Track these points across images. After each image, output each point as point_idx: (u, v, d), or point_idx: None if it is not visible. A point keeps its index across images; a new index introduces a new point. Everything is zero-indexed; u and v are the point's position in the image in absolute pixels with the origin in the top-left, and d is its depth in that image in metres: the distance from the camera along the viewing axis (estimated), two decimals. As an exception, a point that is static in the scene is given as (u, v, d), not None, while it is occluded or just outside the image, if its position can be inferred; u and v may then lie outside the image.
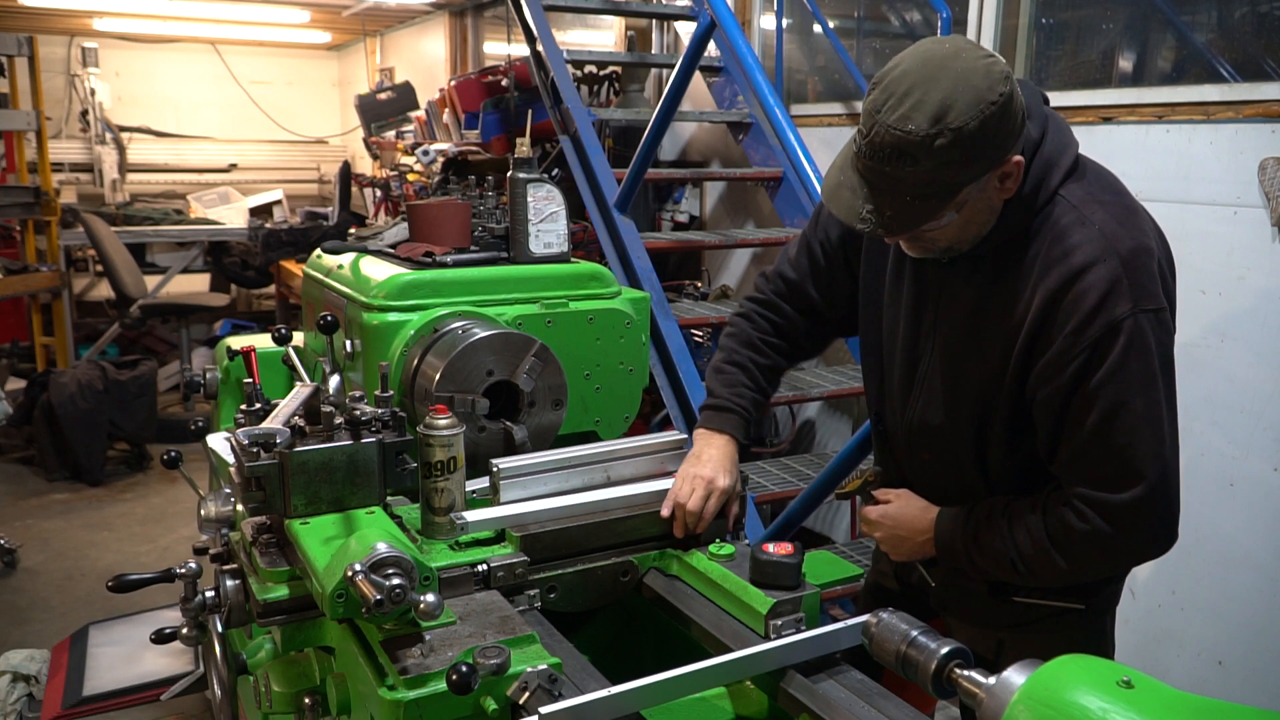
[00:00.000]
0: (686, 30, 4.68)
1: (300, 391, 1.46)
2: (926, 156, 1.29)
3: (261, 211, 8.28)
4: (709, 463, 1.64)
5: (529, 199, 2.24)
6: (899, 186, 1.34)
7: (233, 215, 8.06)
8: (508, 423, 1.97)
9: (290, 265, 6.79)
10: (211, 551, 1.59)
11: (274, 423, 1.35)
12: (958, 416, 1.55)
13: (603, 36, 6.20)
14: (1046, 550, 1.45)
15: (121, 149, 8.44)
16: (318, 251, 2.52)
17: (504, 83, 4.81)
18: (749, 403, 1.75)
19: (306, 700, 1.41)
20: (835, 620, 1.38)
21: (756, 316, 1.83)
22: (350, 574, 1.17)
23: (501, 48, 7.06)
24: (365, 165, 8.00)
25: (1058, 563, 1.45)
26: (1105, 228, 1.40)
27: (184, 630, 1.54)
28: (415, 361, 1.97)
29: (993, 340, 1.48)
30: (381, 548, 1.22)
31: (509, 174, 2.26)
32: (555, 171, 2.39)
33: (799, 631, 1.38)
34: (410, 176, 5.65)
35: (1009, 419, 1.50)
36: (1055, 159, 1.43)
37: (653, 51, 5.27)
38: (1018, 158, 1.37)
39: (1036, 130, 1.42)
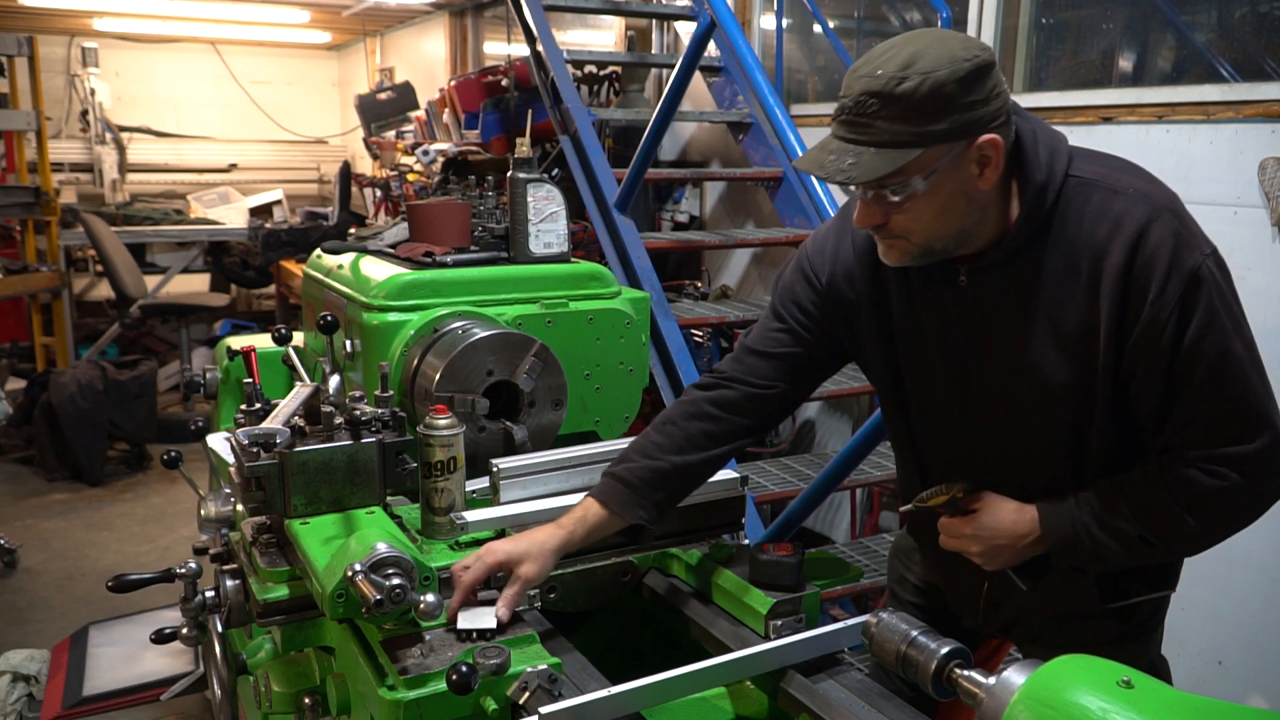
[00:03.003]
0: (686, 30, 4.68)
1: (300, 391, 1.46)
2: (891, 101, 1.26)
3: (261, 211, 8.28)
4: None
5: (529, 199, 2.24)
6: (864, 136, 1.31)
7: (233, 215, 8.06)
8: (508, 423, 1.97)
9: (290, 265, 6.79)
10: (211, 551, 1.59)
11: (274, 423, 1.35)
12: (1047, 436, 1.45)
13: (603, 36, 6.20)
14: (1177, 514, 1.37)
15: (121, 149, 8.43)
16: (318, 251, 2.52)
17: (504, 83, 4.81)
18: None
19: (306, 700, 1.42)
20: (835, 620, 1.38)
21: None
22: (350, 574, 1.17)
23: (501, 48, 7.05)
24: (365, 165, 8.00)
25: (1188, 524, 1.37)
26: (1138, 188, 1.36)
27: (184, 630, 1.54)
28: (415, 361, 1.97)
29: (1060, 344, 1.39)
30: (381, 548, 1.22)
31: (509, 174, 2.26)
32: (555, 171, 2.39)
33: (799, 631, 1.38)
34: (410, 176, 5.65)
35: (1108, 414, 1.41)
36: (1056, 145, 1.40)
37: (653, 51, 5.27)
38: (993, 136, 1.30)
39: (1028, 126, 1.39)
